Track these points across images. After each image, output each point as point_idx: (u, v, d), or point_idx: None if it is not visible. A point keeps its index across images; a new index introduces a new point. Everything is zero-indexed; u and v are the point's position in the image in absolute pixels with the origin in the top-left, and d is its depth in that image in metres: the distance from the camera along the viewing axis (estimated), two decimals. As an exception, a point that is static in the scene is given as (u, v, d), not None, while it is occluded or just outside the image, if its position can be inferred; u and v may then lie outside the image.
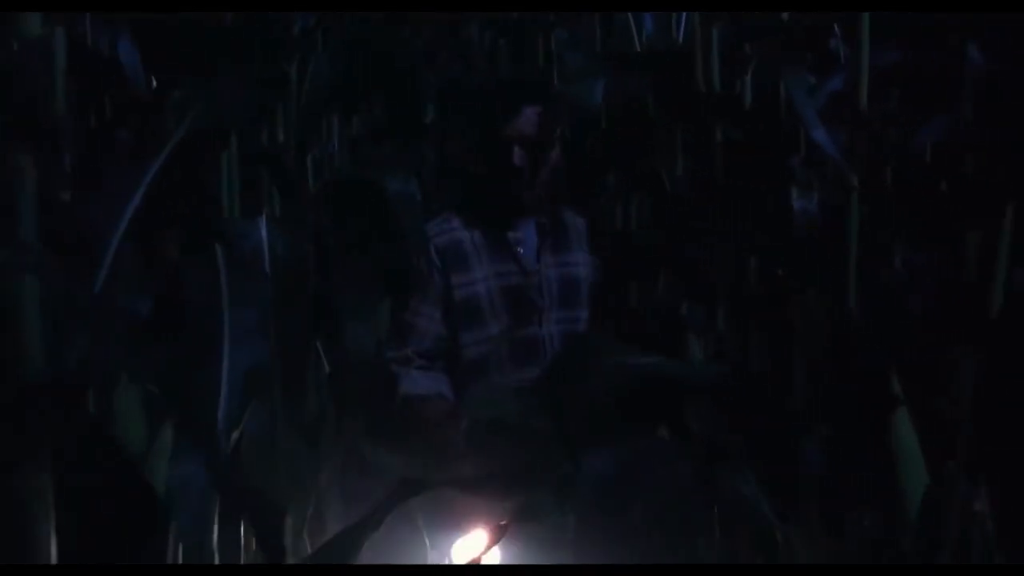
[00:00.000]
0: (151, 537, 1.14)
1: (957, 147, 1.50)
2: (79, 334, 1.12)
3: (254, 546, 1.95)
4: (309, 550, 1.90)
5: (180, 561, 1.31)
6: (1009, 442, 1.03)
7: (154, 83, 1.66)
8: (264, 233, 1.76)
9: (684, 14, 2.57)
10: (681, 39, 2.60)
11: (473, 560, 1.84)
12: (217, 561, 1.28)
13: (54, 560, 1.13)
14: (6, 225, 1.09)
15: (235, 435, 1.44)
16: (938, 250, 1.50)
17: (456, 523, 2.02)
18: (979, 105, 1.49)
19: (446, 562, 2.00)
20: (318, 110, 2.75)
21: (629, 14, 2.72)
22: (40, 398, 1.02)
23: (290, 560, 1.47)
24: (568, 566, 1.63)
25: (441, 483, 1.62)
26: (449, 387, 2.46)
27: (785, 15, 1.89)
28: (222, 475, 1.18)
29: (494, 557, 1.91)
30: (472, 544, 1.92)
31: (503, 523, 1.65)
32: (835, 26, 2.33)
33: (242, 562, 1.41)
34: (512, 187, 2.48)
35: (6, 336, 1.06)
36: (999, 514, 1.03)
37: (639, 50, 2.69)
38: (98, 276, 1.14)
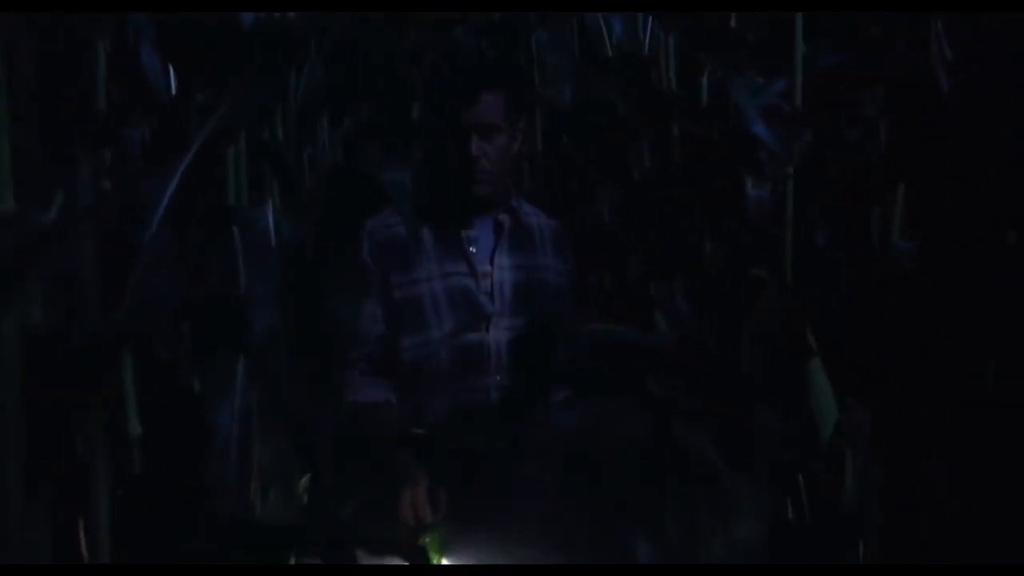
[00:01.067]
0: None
1: (868, 138, 1.74)
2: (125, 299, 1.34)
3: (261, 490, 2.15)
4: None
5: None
6: (892, 378, 1.27)
7: (173, 86, 1.88)
8: (271, 219, 2.00)
9: (650, 20, 2.75)
10: (647, 41, 2.79)
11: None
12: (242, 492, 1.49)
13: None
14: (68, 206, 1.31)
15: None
16: (849, 226, 1.75)
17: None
18: (900, 100, 1.72)
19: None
20: (314, 109, 2.93)
21: (600, 19, 2.90)
22: (108, 345, 1.24)
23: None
24: (564, 566, 1.71)
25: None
26: (395, 393, 2.29)
27: (734, 23, 2.11)
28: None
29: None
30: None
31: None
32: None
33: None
34: (467, 178, 2.29)
35: (67, 297, 1.28)
36: (877, 435, 1.27)
37: (610, 54, 2.88)
38: (141, 250, 1.36)
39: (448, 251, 2.33)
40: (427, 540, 2.05)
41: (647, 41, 2.78)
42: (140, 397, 1.40)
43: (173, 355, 1.45)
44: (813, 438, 1.39)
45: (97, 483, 1.35)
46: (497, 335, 2.29)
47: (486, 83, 2.31)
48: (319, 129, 3.14)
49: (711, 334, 2.10)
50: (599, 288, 2.94)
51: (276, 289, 1.68)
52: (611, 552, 1.80)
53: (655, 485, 1.83)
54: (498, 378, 2.28)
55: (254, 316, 1.55)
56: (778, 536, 1.49)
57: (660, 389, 1.94)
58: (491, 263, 2.35)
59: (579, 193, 3.16)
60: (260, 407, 1.54)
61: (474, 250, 2.35)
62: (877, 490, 1.27)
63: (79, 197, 1.37)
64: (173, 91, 1.83)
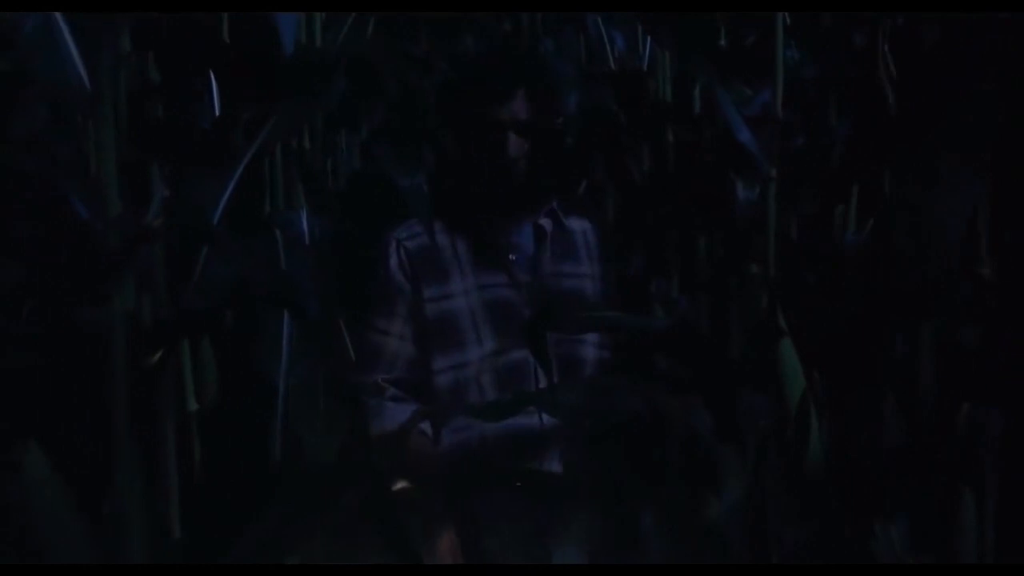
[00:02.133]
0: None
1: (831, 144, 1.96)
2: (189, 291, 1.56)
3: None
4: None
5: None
6: (852, 355, 1.49)
7: (217, 105, 2.10)
8: (305, 222, 2.22)
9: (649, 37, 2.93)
10: (646, 55, 2.98)
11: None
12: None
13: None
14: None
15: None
16: (817, 221, 1.97)
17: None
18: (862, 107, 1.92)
19: None
20: (336, 120, 3.11)
21: (603, 32, 3.08)
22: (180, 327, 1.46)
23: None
24: (566, 566, 1.76)
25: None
26: (429, 421, 2.08)
27: (723, 41, 2.32)
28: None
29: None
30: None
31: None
32: (792, 43, 2.75)
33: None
34: (505, 181, 2.09)
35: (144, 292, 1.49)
36: (837, 406, 1.49)
37: (612, 67, 3.07)
38: (202, 251, 1.58)
39: (484, 260, 2.13)
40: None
41: (646, 55, 2.96)
42: (196, 376, 1.63)
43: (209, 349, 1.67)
44: (784, 408, 1.59)
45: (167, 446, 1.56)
46: None
47: (525, 79, 2.12)
48: (340, 138, 3.31)
49: (703, 321, 2.31)
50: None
51: (314, 282, 1.90)
52: (615, 520, 1.97)
53: (652, 455, 2.01)
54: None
55: (298, 304, 1.76)
56: (758, 498, 1.69)
57: (656, 369, 2.13)
58: (533, 272, 2.16)
59: (585, 196, 3.33)
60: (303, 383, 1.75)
61: (514, 258, 2.15)
62: (838, 452, 1.48)
63: (155, 203, 1.58)
64: (217, 109, 2.04)
